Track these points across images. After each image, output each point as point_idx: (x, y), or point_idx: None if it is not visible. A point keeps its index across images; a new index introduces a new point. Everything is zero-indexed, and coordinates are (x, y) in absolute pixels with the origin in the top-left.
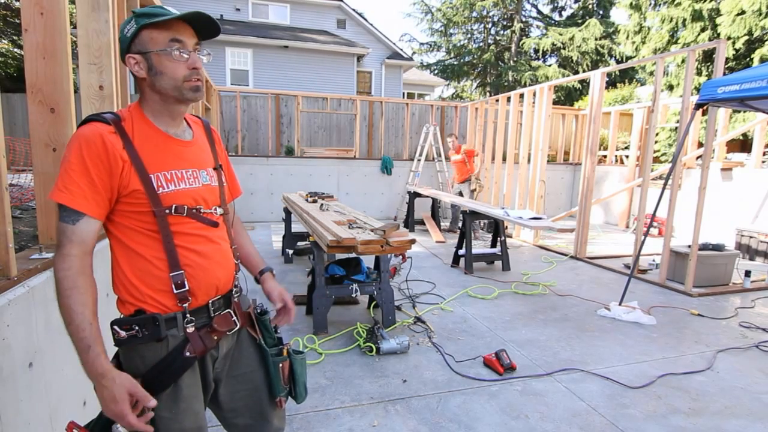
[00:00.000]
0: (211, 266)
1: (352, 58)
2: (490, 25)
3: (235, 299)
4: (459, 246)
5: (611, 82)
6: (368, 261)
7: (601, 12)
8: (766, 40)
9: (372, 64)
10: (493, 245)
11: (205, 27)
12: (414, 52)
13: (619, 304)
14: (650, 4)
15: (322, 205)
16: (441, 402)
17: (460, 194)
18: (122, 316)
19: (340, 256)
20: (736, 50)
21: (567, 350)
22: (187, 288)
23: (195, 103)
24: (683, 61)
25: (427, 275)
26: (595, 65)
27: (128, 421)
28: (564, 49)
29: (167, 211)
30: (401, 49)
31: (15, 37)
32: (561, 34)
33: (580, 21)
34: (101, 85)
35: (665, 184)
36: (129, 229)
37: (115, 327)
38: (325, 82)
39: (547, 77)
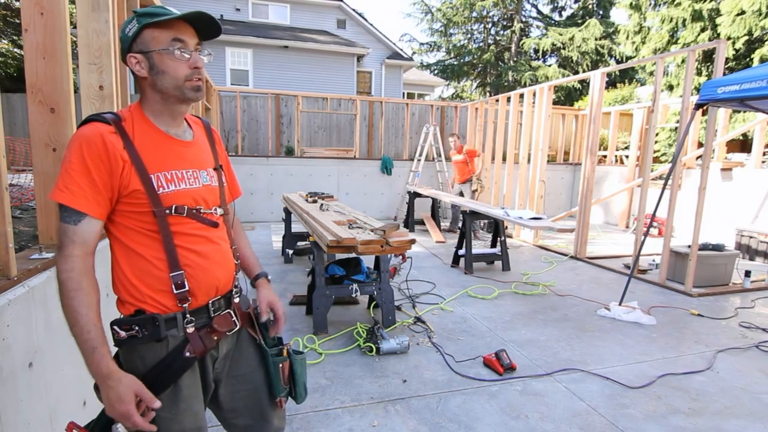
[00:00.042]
0: (211, 266)
1: (352, 58)
2: (490, 25)
3: (235, 300)
4: (459, 246)
5: (611, 82)
6: (368, 261)
7: (601, 12)
8: (766, 40)
9: (372, 64)
10: (493, 245)
11: (206, 27)
12: (414, 52)
13: (619, 304)
14: (650, 5)
15: (322, 205)
16: (441, 402)
17: (461, 194)
18: (122, 316)
19: (340, 256)
20: (736, 50)
21: (567, 350)
22: (187, 288)
23: (196, 103)
24: (683, 61)
25: (427, 275)
26: (595, 65)
27: (134, 421)
28: (564, 49)
29: (167, 211)
30: (401, 49)
31: (15, 37)
32: (561, 34)
33: (580, 21)
34: (101, 85)
35: (665, 184)
36: (129, 230)
37: (115, 327)
38: (325, 82)
39: (547, 77)
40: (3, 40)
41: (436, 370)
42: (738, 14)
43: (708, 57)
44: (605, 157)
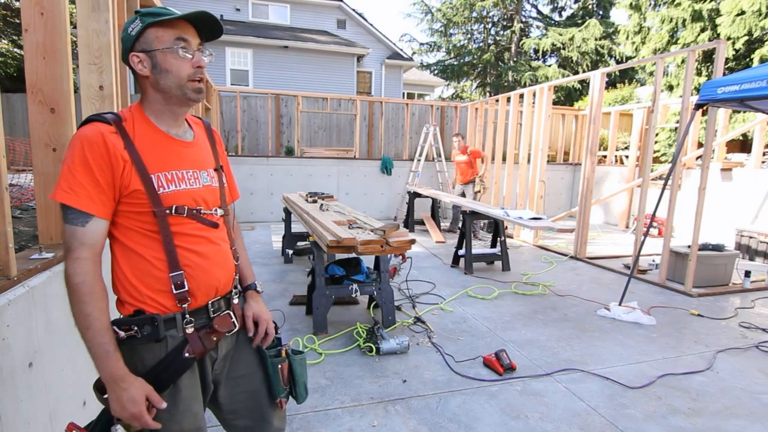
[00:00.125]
0: (211, 267)
1: (352, 58)
2: (490, 25)
3: (235, 300)
4: (459, 246)
5: (611, 83)
6: (368, 261)
7: (601, 12)
8: (766, 41)
9: (372, 65)
10: (493, 245)
11: (208, 28)
12: (414, 53)
13: (619, 305)
14: (650, 5)
15: (322, 205)
16: (441, 402)
17: (463, 195)
18: (121, 316)
19: (340, 256)
20: (736, 50)
21: (567, 350)
22: (186, 288)
23: (196, 104)
24: (683, 62)
25: (427, 275)
26: (594, 65)
27: (145, 422)
28: (564, 49)
29: (167, 211)
30: (401, 50)
31: (15, 37)
32: (561, 35)
33: (580, 21)
34: (101, 85)
35: (665, 185)
36: (129, 230)
37: (114, 327)
38: (325, 83)
39: (547, 77)
40: (3, 40)
41: (436, 370)
42: (738, 14)
43: (708, 57)
44: (605, 157)
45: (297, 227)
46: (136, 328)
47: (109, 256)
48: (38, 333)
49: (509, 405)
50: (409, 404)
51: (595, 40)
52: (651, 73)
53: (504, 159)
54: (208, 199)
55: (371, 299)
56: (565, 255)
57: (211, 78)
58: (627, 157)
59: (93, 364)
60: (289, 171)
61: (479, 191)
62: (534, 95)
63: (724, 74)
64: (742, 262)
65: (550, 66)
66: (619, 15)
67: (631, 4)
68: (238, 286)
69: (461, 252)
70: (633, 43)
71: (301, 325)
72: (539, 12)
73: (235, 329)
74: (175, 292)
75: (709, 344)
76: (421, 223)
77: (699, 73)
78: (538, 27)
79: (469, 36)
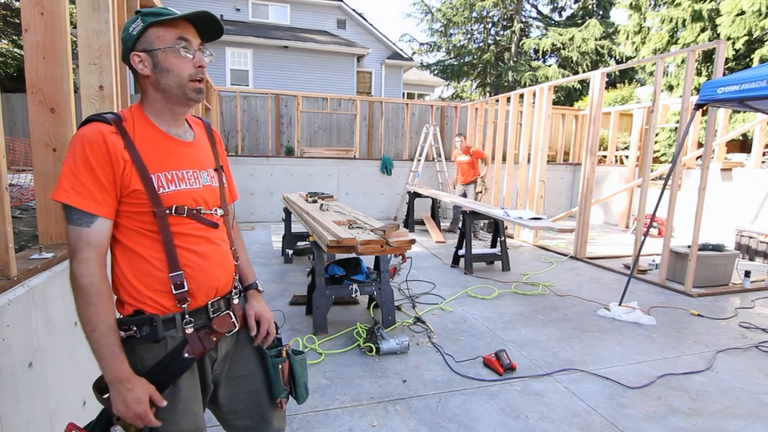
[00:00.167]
0: (210, 267)
1: (352, 58)
2: (490, 25)
3: (235, 301)
4: (459, 246)
5: (611, 83)
6: (368, 261)
7: (601, 12)
8: (766, 41)
9: (372, 65)
10: (493, 245)
11: (209, 28)
12: (414, 53)
13: (619, 305)
14: (650, 5)
15: (322, 205)
16: (441, 402)
17: (464, 195)
18: (121, 316)
19: (340, 256)
20: (736, 50)
21: (567, 350)
22: (186, 289)
23: (197, 104)
24: (683, 62)
25: (427, 275)
26: (594, 65)
27: (148, 421)
28: (564, 49)
29: (167, 211)
30: (401, 50)
31: (15, 37)
32: (561, 35)
33: (579, 21)
34: (101, 85)
35: (665, 185)
36: (129, 230)
37: None
38: (325, 83)
39: (547, 77)
40: (3, 40)
41: (436, 370)
42: (738, 14)
43: (708, 57)
44: (605, 157)
45: (297, 227)
46: (135, 328)
47: (109, 257)
48: (38, 333)
49: (509, 405)
50: (409, 404)
51: (595, 40)
52: (651, 73)
53: (504, 159)
54: (208, 199)
55: (371, 299)
56: (565, 255)
57: (211, 78)
58: (627, 157)
59: (94, 364)
60: (289, 171)
61: (480, 192)
62: (534, 95)
63: (724, 74)
64: (742, 262)
65: (550, 66)
66: (619, 15)
67: (631, 4)
68: (238, 287)
69: (461, 252)
70: (633, 43)
71: (301, 325)
72: (539, 12)
73: (235, 329)
74: (174, 292)
75: (709, 344)
76: (421, 223)
77: (699, 73)
78: (538, 27)
79: (469, 36)
